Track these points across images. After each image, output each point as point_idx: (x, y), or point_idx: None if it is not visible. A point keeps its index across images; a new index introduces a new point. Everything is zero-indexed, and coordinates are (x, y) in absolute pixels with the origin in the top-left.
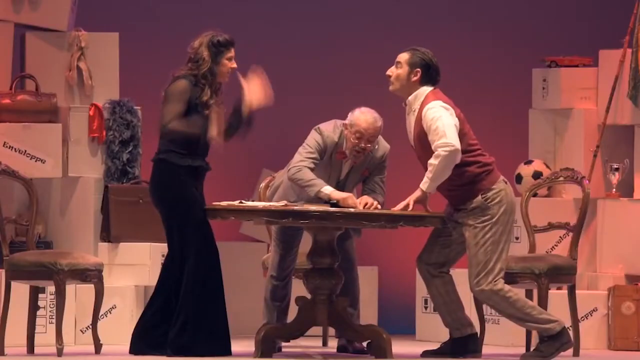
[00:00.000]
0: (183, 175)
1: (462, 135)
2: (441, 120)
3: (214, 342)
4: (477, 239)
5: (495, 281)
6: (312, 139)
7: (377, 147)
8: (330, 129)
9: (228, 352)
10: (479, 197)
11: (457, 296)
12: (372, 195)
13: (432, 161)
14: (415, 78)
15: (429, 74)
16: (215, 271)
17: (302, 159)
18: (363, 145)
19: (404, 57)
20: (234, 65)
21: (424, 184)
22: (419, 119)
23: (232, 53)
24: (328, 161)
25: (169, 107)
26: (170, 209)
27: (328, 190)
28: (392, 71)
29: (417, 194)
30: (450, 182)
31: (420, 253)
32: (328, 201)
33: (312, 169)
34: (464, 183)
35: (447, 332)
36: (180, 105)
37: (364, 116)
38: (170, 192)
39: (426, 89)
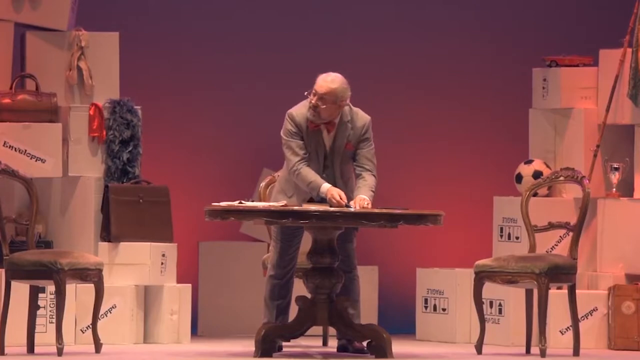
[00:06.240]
0: None
1: None
2: None
3: None
4: None
5: None
6: (285, 128)
7: (354, 118)
8: (298, 106)
9: None
10: None
11: None
12: (364, 189)
13: None
14: None
15: None
16: None
17: (290, 158)
18: (314, 102)
19: None
20: None
21: None
22: None
23: None
24: (307, 138)
25: None
26: None
27: (325, 188)
28: None
29: None
30: None
31: None
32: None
33: (305, 159)
34: None
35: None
36: None
37: (322, 77)
38: None
39: None
